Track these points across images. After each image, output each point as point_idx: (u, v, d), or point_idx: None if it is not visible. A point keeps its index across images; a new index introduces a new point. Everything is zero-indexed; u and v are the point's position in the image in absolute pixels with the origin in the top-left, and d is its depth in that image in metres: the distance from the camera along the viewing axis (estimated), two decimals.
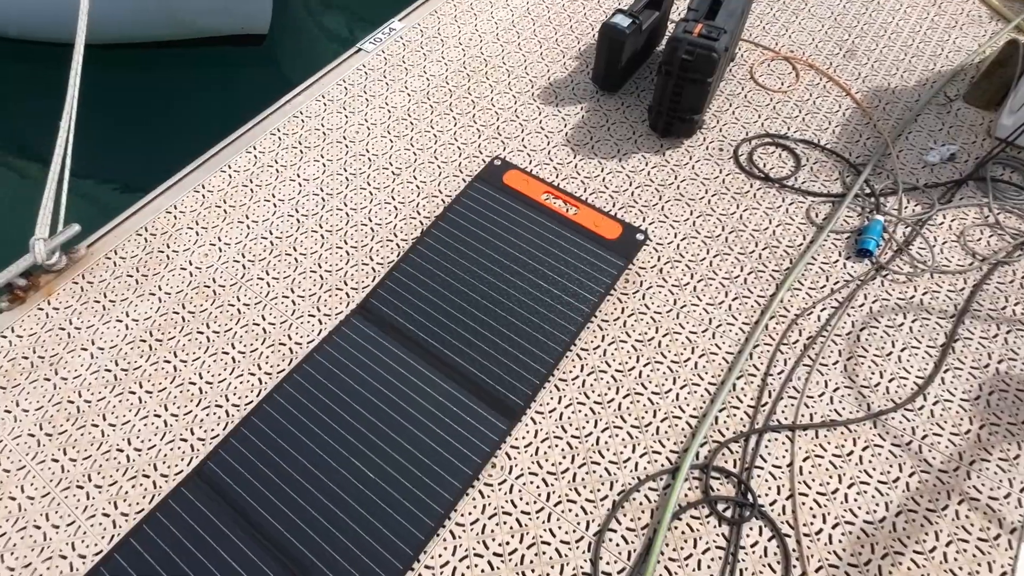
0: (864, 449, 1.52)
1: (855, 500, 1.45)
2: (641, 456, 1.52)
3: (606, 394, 1.61)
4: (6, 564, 1.39)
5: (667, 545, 1.40)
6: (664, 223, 1.94)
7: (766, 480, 1.48)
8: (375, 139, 2.17)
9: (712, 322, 1.73)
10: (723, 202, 1.99)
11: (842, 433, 1.54)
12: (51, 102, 1.99)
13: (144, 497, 1.47)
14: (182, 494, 1.46)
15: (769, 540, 1.40)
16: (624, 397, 1.61)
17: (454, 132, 2.19)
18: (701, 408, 1.59)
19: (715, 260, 1.86)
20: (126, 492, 1.48)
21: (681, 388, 1.62)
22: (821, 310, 1.75)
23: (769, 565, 1.37)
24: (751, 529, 1.42)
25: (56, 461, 1.52)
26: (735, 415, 1.58)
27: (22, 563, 1.39)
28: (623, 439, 1.55)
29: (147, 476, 1.50)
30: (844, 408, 1.58)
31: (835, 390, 1.61)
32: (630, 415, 1.58)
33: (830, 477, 1.48)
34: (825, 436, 1.54)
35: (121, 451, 1.54)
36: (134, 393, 1.63)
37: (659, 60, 2.07)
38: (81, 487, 1.49)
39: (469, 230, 1.86)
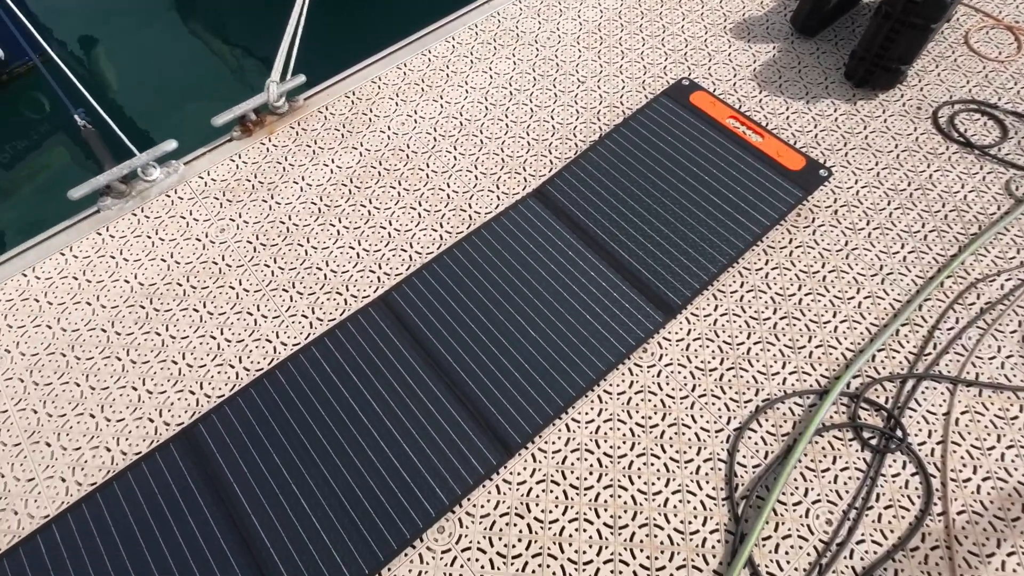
0: None
1: (1012, 461, 1.42)
2: (790, 373, 1.56)
3: (763, 312, 1.65)
4: (224, 336, 1.65)
5: (805, 455, 1.44)
6: (846, 168, 1.90)
7: (918, 423, 1.47)
8: (565, 47, 2.26)
9: (883, 269, 1.71)
10: (913, 159, 1.92)
11: (1008, 398, 1.50)
12: None
13: (336, 310, 1.69)
14: (369, 313, 1.66)
15: (912, 475, 1.41)
16: (781, 318, 1.64)
17: (641, 52, 2.23)
18: (859, 344, 1.59)
19: (895, 212, 1.81)
20: (322, 303, 1.71)
21: (841, 322, 1.62)
22: (1006, 280, 1.68)
23: (909, 497, 1.38)
24: (894, 461, 1.43)
25: (268, 267, 1.77)
26: (894, 358, 1.57)
27: (236, 338, 1.65)
28: (774, 355, 1.58)
29: (339, 294, 1.72)
30: (1016, 375, 1.53)
31: (1008, 356, 1.55)
32: (784, 335, 1.61)
33: (988, 434, 1.45)
34: (989, 397, 1.50)
35: (320, 270, 1.76)
36: (333, 226, 1.85)
37: (878, 3, 2.00)
38: (286, 291, 1.73)
39: (649, 140, 1.93)
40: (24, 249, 1.83)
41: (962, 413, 1.48)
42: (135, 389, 1.58)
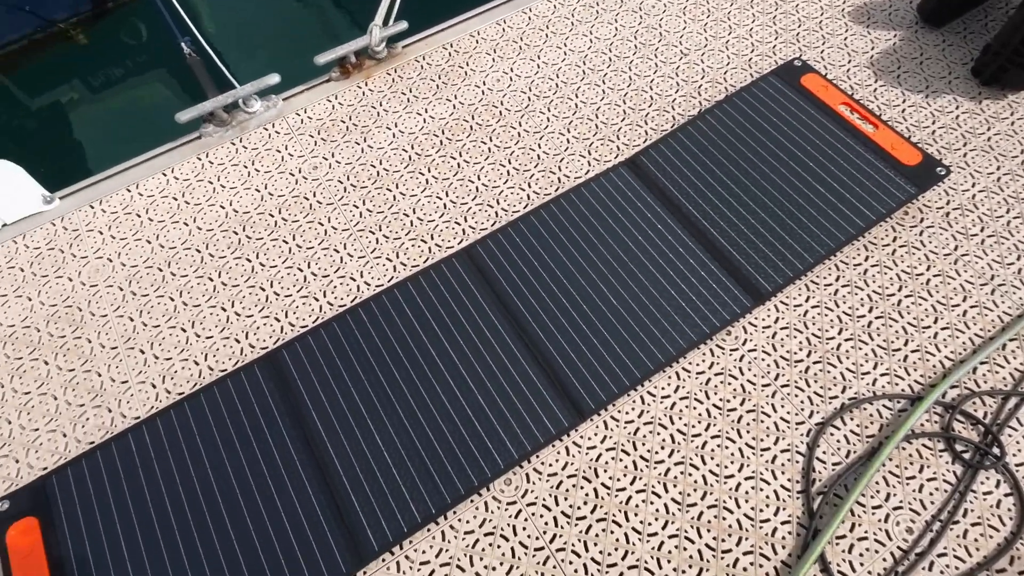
0: None
1: None
2: (882, 375, 1.49)
3: (857, 309, 1.58)
4: (310, 269, 1.69)
5: (891, 459, 1.39)
6: (963, 170, 1.78)
7: (1017, 442, 1.39)
8: (670, 17, 2.18)
9: (994, 279, 1.60)
10: None
11: None
12: None
13: (420, 256, 1.71)
14: (452, 263, 1.67)
15: (1006, 495, 1.33)
16: (876, 317, 1.56)
17: (750, 28, 2.13)
18: (960, 354, 1.50)
19: (1014, 221, 1.69)
20: (407, 249, 1.72)
21: (942, 329, 1.54)
22: None
23: (1000, 517, 1.31)
24: (987, 478, 1.35)
25: (356, 208, 1.80)
26: (997, 373, 1.48)
27: (322, 273, 1.68)
28: (866, 354, 1.52)
29: (424, 242, 1.73)
30: None
31: None
32: (879, 335, 1.54)
33: None
34: None
35: (407, 216, 1.78)
36: (422, 175, 1.85)
37: None
38: (372, 233, 1.75)
39: (753, 119, 1.85)
40: (130, 166, 1.91)
41: None
42: (224, 310, 1.64)
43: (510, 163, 1.87)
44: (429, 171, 1.86)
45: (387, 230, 1.75)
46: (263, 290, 1.66)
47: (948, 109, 1.92)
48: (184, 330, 1.61)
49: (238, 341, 1.59)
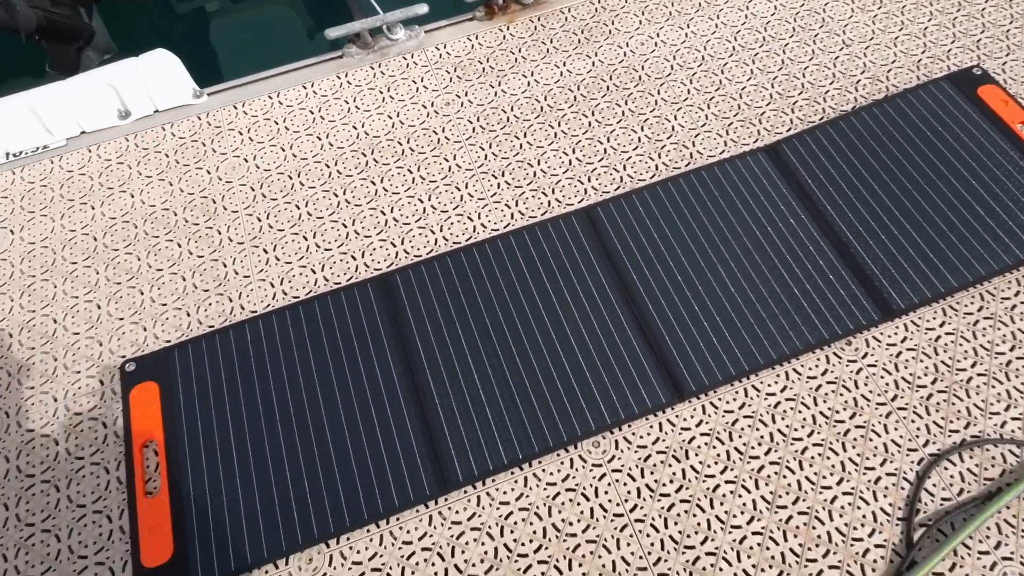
0: None
1: None
2: (1014, 419, 1.38)
3: (997, 345, 1.46)
4: (432, 202, 1.72)
5: (1008, 507, 1.29)
6: None
7: None
8: (836, 3, 2.03)
9: None
10: None
11: None
12: None
13: (538, 208, 1.70)
14: (570, 220, 1.65)
15: None
16: (1017, 357, 1.44)
17: (925, 27, 1.96)
18: None
19: None
20: (527, 199, 1.71)
21: None
22: None
23: None
24: None
25: (482, 150, 1.80)
26: None
27: (440, 208, 1.71)
28: (999, 393, 1.41)
29: (545, 195, 1.72)
30: None
31: None
32: (1017, 376, 1.42)
33: None
34: None
35: (531, 166, 1.77)
36: (552, 128, 1.83)
37: None
38: (495, 177, 1.75)
39: (915, 124, 1.71)
40: (273, 75, 1.98)
41: None
42: (345, 227, 1.69)
43: (643, 130, 1.81)
44: (559, 125, 1.83)
45: (509, 177, 1.75)
46: (383, 214, 1.70)
47: None
48: (306, 239, 1.67)
49: (354, 258, 1.64)
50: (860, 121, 1.74)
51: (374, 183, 1.75)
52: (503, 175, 1.75)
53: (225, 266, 1.64)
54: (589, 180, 1.73)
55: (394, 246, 1.65)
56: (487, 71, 1.94)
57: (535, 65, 1.95)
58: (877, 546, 1.27)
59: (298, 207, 1.72)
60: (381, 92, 1.91)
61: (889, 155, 1.69)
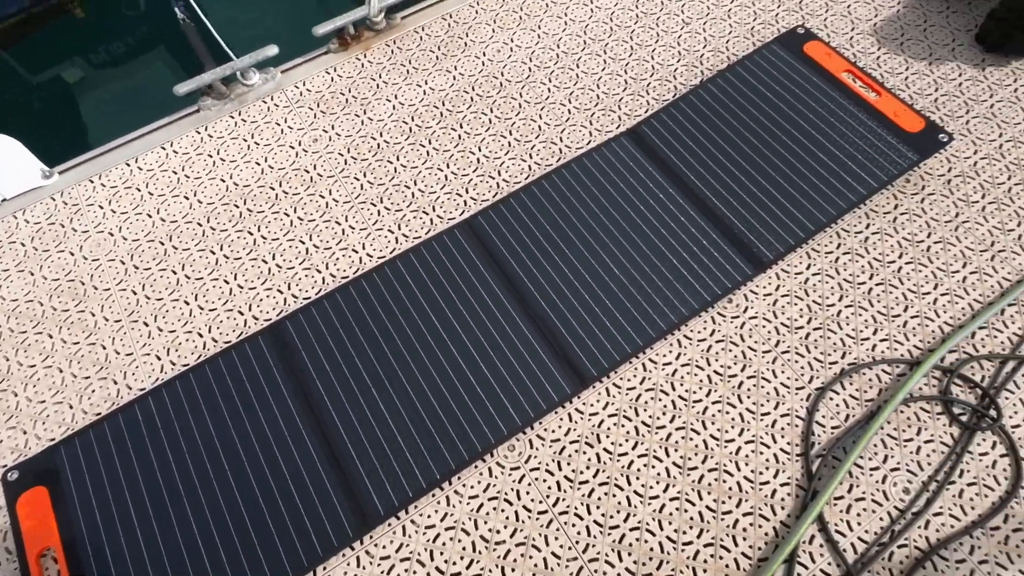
0: None
1: None
2: (881, 341, 1.50)
3: (858, 276, 1.59)
4: (312, 242, 1.69)
5: (889, 423, 1.40)
6: (965, 137, 1.78)
7: (1014, 405, 1.41)
8: None
9: (994, 245, 1.61)
10: None
11: None
12: None
13: (422, 228, 1.71)
14: (454, 234, 1.67)
15: (1002, 456, 1.35)
16: (876, 284, 1.57)
17: None
18: (958, 319, 1.51)
19: (1015, 188, 1.69)
20: (408, 221, 1.72)
21: (942, 295, 1.55)
22: None
23: (995, 477, 1.33)
24: (983, 440, 1.37)
25: (357, 180, 1.79)
26: (996, 337, 1.49)
27: (324, 245, 1.69)
28: (866, 320, 1.53)
29: (426, 213, 1.73)
30: None
31: None
32: (878, 302, 1.55)
33: None
34: None
35: (408, 188, 1.77)
36: (423, 147, 1.85)
37: None
38: (374, 205, 1.75)
39: (756, 88, 1.84)
40: (128, 140, 1.90)
41: None
42: (227, 283, 1.64)
43: (511, 134, 1.86)
44: (430, 143, 1.85)
45: (388, 202, 1.75)
46: (265, 262, 1.66)
47: (951, 76, 1.90)
48: (187, 303, 1.61)
49: (241, 313, 1.59)
50: (708, 92, 1.85)
51: (251, 233, 1.71)
52: (382, 201, 1.75)
53: (104, 348, 1.56)
54: (467, 191, 1.76)
55: (281, 293, 1.62)
56: (351, 101, 1.94)
57: (398, 88, 1.96)
58: (783, 484, 1.35)
59: (174, 272, 1.66)
60: (245, 140, 1.87)
61: (737, 119, 1.80)
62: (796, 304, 1.56)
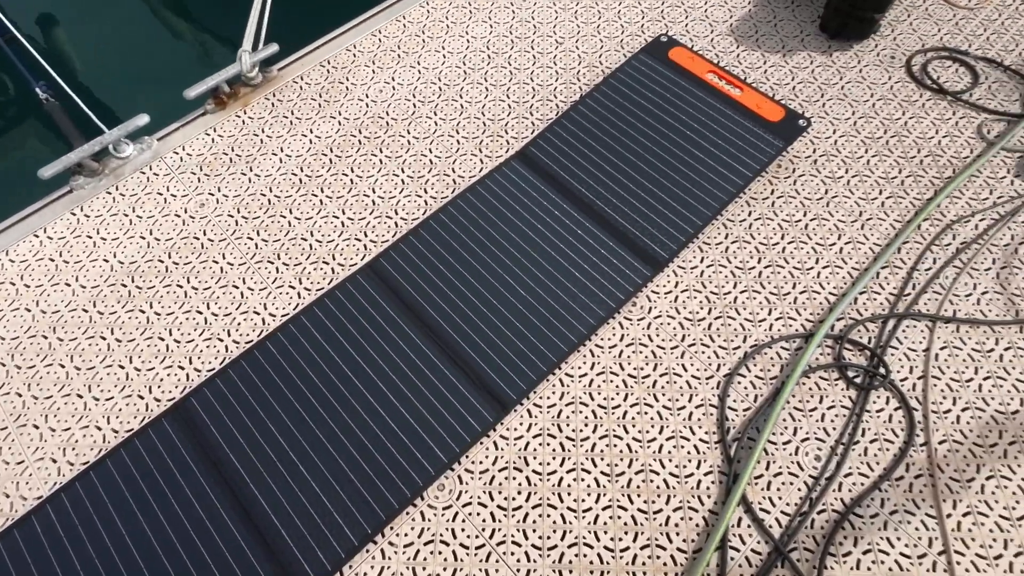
0: (1007, 349, 1.52)
1: (989, 391, 1.47)
2: (776, 319, 1.59)
3: (747, 262, 1.68)
4: (211, 310, 1.63)
5: (793, 396, 1.48)
6: (823, 119, 1.92)
7: (899, 359, 1.52)
8: (540, 9, 2.23)
9: (862, 215, 1.74)
10: (888, 107, 1.94)
11: (984, 332, 1.55)
12: None
13: (324, 279, 1.68)
14: (357, 280, 1.65)
15: (896, 410, 1.46)
16: (765, 267, 1.67)
17: (618, 11, 2.22)
18: (841, 288, 1.63)
19: (872, 159, 1.84)
20: (309, 274, 1.69)
21: (823, 268, 1.66)
22: (980, 220, 1.72)
23: (892, 430, 1.43)
24: (878, 397, 1.47)
25: (251, 239, 1.75)
26: (875, 299, 1.61)
27: (224, 311, 1.63)
28: (760, 302, 1.61)
29: (326, 263, 1.70)
30: (991, 310, 1.58)
31: (983, 293, 1.60)
32: (769, 283, 1.64)
33: (966, 368, 1.50)
34: (967, 332, 1.55)
35: (305, 240, 1.74)
36: (316, 196, 1.82)
37: None
38: (272, 263, 1.71)
39: (630, 97, 1.92)
40: None
41: (941, 349, 1.53)
42: (122, 368, 1.55)
43: (403, 172, 1.86)
44: (322, 191, 1.83)
45: (286, 257, 1.71)
46: (162, 340, 1.59)
47: (804, 64, 2.06)
48: (80, 395, 1.51)
49: (142, 397, 1.51)
50: (587, 107, 1.93)
51: (143, 311, 1.63)
52: (279, 257, 1.71)
53: None
54: (366, 235, 1.75)
55: (182, 368, 1.55)
56: (235, 160, 1.89)
57: (283, 140, 1.93)
58: (706, 474, 1.39)
59: (62, 365, 1.56)
60: (126, 215, 1.79)
61: (618, 129, 1.88)
62: (695, 297, 1.63)
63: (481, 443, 1.44)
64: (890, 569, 1.28)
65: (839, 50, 2.09)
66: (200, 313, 1.63)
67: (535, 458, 1.42)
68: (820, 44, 2.11)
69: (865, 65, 2.05)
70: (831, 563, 1.29)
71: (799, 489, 1.37)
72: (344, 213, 1.79)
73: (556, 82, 2.04)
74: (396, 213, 1.78)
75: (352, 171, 1.87)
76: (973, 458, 1.39)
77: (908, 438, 1.42)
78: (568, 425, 1.46)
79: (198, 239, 1.75)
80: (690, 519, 1.34)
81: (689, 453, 1.42)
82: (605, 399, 1.49)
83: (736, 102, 1.88)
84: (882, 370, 1.50)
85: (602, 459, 1.41)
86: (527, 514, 1.35)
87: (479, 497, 1.37)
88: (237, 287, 1.67)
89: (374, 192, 1.82)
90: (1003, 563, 1.28)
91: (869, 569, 1.28)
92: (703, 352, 1.55)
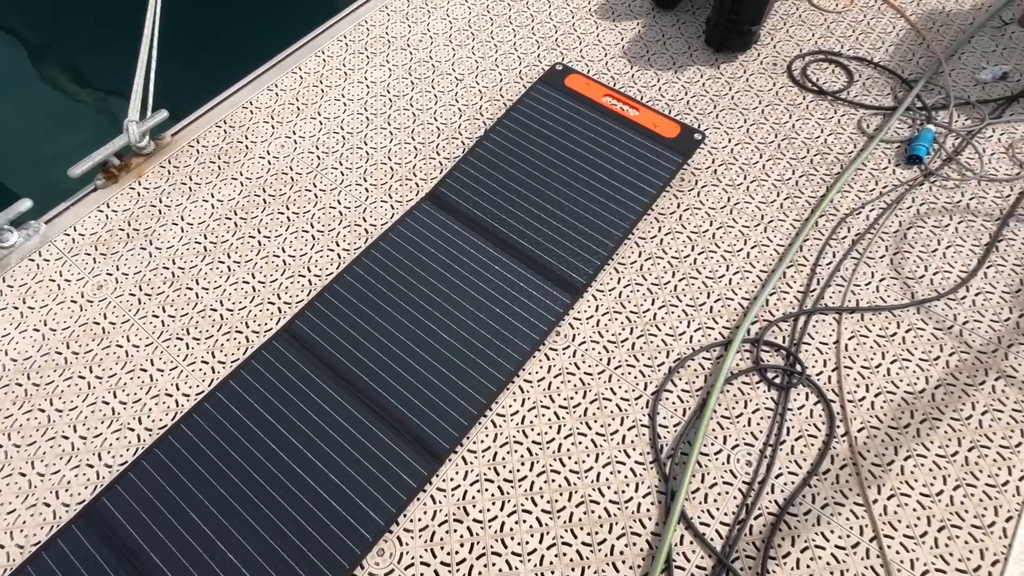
0: (907, 331, 1.61)
1: (897, 374, 1.55)
2: (695, 331, 1.63)
3: (663, 277, 1.72)
4: (119, 399, 1.54)
5: (719, 405, 1.52)
6: (718, 129, 2.01)
7: (813, 354, 1.58)
8: (438, 48, 2.25)
9: (764, 218, 1.82)
10: (776, 112, 2.05)
11: (886, 317, 1.63)
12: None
13: (238, 349, 1.61)
14: (273, 346, 1.59)
15: (815, 404, 1.51)
16: (680, 280, 1.71)
17: (514, 43, 2.26)
18: (752, 292, 1.68)
19: (767, 164, 1.93)
20: (222, 345, 1.62)
21: (734, 274, 1.71)
22: (870, 211, 1.82)
23: (814, 425, 1.48)
24: (798, 395, 1.53)
25: (156, 317, 1.66)
26: (784, 299, 1.67)
27: (133, 398, 1.54)
28: (679, 316, 1.65)
29: (239, 332, 1.64)
30: (889, 296, 1.67)
31: (881, 280, 1.70)
32: (685, 295, 1.68)
33: (873, 354, 1.58)
34: (870, 319, 1.63)
35: (215, 311, 1.67)
36: (223, 263, 1.76)
37: None
38: (181, 339, 1.63)
39: (532, 128, 1.95)
40: None
41: (850, 339, 1.60)
42: (24, 475, 1.44)
43: (313, 227, 1.82)
44: (229, 257, 1.76)
45: (196, 332, 1.64)
46: (66, 438, 1.48)
47: (695, 79, 2.15)
48: None
49: (48, 505, 1.40)
50: (491, 141, 1.95)
51: (42, 410, 1.52)
52: (188, 333, 1.64)
53: None
54: (279, 297, 1.70)
55: (91, 466, 1.45)
56: (133, 235, 1.80)
57: (183, 208, 1.86)
58: (645, 496, 1.40)
59: None
60: (16, 307, 1.68)
61: (523, 160, 1.90)
62: (616, 319, 1.65)
63: (418, 499, 1.40)
64: (828, 563, 1.32)
65: (725, 62, 2.19)
66: (107, 403, 1.53)
67: (475, 506, 1.39)
68: (708, 58, 2.21)
69: (751, 74, 2.16)
70: (772, 567, 1.31)
71: (735, 497, 1.40)
72: (254, 277, 1.73)
73: (460, 119, 2.05)
74: (309, 271, 1.74)
75: (259, 232, 1.81)
76: (890, 441, 1.46)
77: (830, 431, 1.47)
78: (505, 467, 1.44)
79: (98, 324, 1.65)
80: (634, 544, 1.34)
81: (626, 477, 1.42)
82: (539, 435, 1.48)
83: (634, 123, 1.93)
84: (798, 367, 1.56)
85: (542, 497, 1.40)
86: (471, 566, 1.32)
87: (421, 556, 1.33)
88: (145, 370, 1.58)
89: (284, 251, 1.77)
90: (928, 539, 1.34)
91: (808, 567, 1.31)
92: (629, 373, 1.57)
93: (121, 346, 1.62)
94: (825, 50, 2.21)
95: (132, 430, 1.49)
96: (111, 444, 1.48)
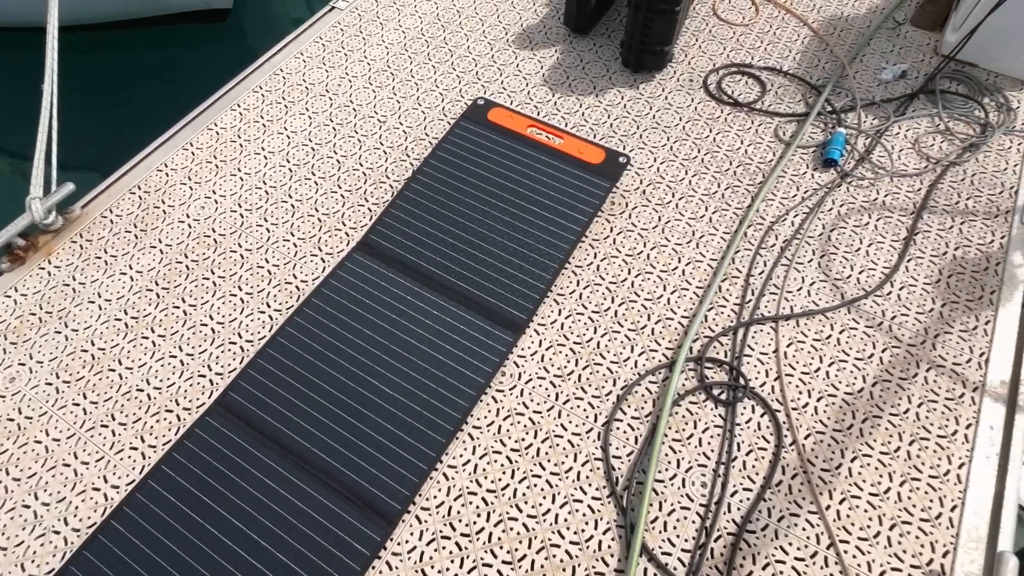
0: (841, 332, 1.65)
1: (836, 376, 1.58)
2: (640, 355, 1.63)
3: (602, 304, 1.72)
4: (40, 500, 1.43)
5: (670, 428, 1.52)
6: (643, 149, 2.04)
7: (755, 366, 1.61)
8: (358, 91, 2.22)
9: (695, 234, 1.85)
10: (696, 127, 2.10)
11: (820, 320, 1.68)
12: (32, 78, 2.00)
13: (170, 430, 1.52)
14: (207, 422, 1.51)
15: (762, 416, 1.53)
16: (619, 305, 1.71)
17: (434, 80, 2.25)
18: (691, 309, 1.70)
19: (693, 179, 1.97)
20: (151, 427, 1.53)
21: (671, 293, 1.73)
22: (794, 216, 1.88)
23: (763, 437, 1.50)
24: (744, 408, 1.54)
25: (77, 405, 1.56)
26: (722, 312, 1.70)
27: (56, 498, 1.43)
28: (621, 341, 1.65)
29: (170, 411, 1.55)
30: (821, 299, 1.71)
31: (811, 284, 1.74)
32: (626, 320, 1.69)
33: (812, 359, 1.61)
34: (805, 324, 1.67)
35: (141, 391, 1.58)
36: (147, 338, 1.67)
37: None
38: (106, 426, 1.53)
39: (459, 165, 1.94)
40: None
41: (788, 346, 1.63)
42: None
43: (241, 289, 1.75)
44: (153, 331, 1.68)
45: (122, 416, 1.54)
46: None
47: (616, 101, 2.19)
48: None
49: None
50: (419, 183, 1.92)
51: None
52: (114, 419, 1.54)
53: None
54: (211, 369, 1.62)
55: None
56: (46, 319, 1.70)
57: (99, 284, 1.76)
58: (605, 532, 1.38)
59: None
60: None
61: (453, 199, 1.89)
62: (560, 352, 1.64)
63: (373, 567, 1.34)
64: None
65: (644, 82, 2.24)
66: (27, 507, 1.42)
67: (432, 567, 1.34)
68: (627, 79, 2.25)
69: (669, 92, 2.21)
70: None
71: (693, 521, 1.39)
72: (182, 350, 1.64)
73: (386, 162, 2.02)
74: (240, 336, 1.67)
75: (184, 301, 1.73)
76: (836, 444, 1.49)
77: (778, 441, 1.49)
78: (460, 520, 1.40)
79: (12, 420, 1.53)
80: None
81: (585, 515, 1.40)
82: (493, 482, 1.45)
83: (559, 152, 1.95)
84: (742, 381, 1.58)
85: (501, 547, 1.36)
86: None
87: None
88: (68, 464, 1.47)
89: (212, 319, 1.70)
90: (882, 539, 1.36)
91: None
92: (578, 406, 1.55)
93: (40, 442, 1.50)
94: (737, 62, 2.28)
95: (57, 533, 1.39)
96: (34, 552, 1.36)
